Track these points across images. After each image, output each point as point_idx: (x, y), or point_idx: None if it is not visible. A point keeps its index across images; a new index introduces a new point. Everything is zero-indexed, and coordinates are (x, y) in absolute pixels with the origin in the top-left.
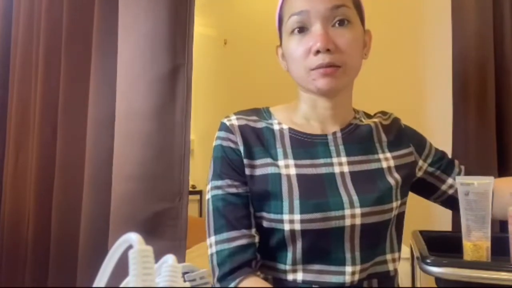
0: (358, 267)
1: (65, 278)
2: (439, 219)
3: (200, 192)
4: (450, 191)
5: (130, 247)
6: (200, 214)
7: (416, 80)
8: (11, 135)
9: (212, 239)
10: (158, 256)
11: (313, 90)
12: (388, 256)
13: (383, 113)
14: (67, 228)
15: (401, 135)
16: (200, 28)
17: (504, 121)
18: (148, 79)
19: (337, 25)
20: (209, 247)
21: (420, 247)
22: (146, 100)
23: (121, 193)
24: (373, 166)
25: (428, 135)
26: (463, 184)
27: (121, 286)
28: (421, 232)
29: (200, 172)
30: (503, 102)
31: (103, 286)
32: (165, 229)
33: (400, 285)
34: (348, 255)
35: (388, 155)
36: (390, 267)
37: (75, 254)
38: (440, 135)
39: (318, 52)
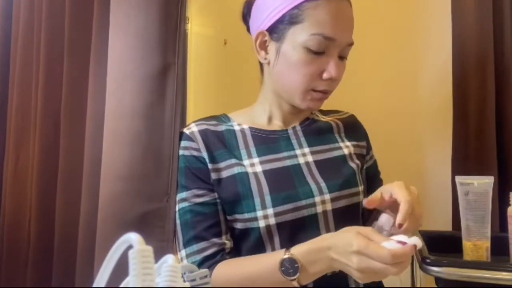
0: None
1: (67, 278)
2: (439, 219)
3: None
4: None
5: (130, 247)
6: None
7: (416, 80)
8: (11, 134)
9: (183, 252)
10: None
11: (297, 104)
12: None
13: (337, 111)
14: (69, 228)
15: (358, 128)
16: (200, 28)
17: (504, 121)
18: (137, 78)
19: (339, 58)
20: (180, 261)
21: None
22: (135, 99)
23: (109, 193)
24: (335, 153)
25: (428, 135)
26: (463, 184)
27: (121, 286)
28: (421, 232)
29: None
30: (503, 102)
31: (103, 286)
32: (153, 230)
33: (400, 285)
34: None
35: (348, 143)
36: None
37: (75, 254)
38: (440, 135)
39: (329, 79)
